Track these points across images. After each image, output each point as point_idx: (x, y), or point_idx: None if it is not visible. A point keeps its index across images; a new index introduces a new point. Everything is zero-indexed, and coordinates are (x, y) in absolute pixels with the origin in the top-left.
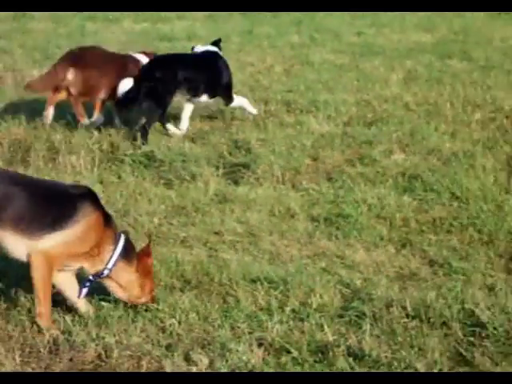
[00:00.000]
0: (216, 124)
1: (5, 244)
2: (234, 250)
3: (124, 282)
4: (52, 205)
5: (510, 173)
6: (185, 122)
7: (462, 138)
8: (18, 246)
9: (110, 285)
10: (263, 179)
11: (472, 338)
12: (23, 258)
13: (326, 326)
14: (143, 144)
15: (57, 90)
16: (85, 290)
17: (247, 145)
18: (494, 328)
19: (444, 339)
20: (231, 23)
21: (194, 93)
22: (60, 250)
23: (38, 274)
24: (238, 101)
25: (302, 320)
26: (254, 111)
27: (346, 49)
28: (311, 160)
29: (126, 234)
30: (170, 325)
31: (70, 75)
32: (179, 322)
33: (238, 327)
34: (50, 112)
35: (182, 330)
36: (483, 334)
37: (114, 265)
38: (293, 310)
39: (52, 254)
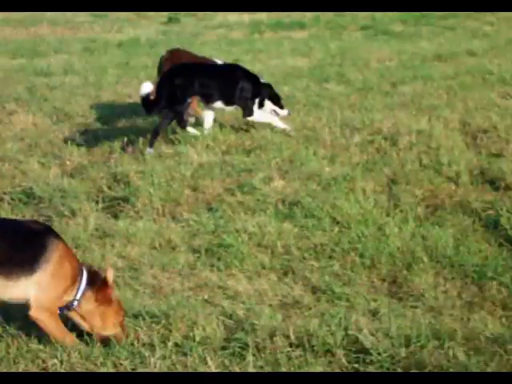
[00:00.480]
0: (95, 157)
1: None
2: (116, 286)
3: (88, 312)
4: (24, 247)
5: (390, 195)
6: (207, 123)
7: (342, 161)
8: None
9: (75, 316)
10: (143, 212)
11: (356, 365)
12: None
13: (209, 359)
14: (150, 147)
15: None
16: None
17: (126, 178)
18: (378, 353)
19: (328, 367)
20: (108, 55)
21: (208, 99)
22: (48, 293)
23: (45, 325)
24: (261, 117)
25: (185, 354)
26: (287, 127)
27: None
28: (191, 190)
29: (87, 264)
30: (53, 365)
31: None
32: (61, 362)
33: (121, 364)
34: None
35: (64, 370)
36: (367, 360)
37: (81, 296)
38: (176, 344)
39: (46, 300)
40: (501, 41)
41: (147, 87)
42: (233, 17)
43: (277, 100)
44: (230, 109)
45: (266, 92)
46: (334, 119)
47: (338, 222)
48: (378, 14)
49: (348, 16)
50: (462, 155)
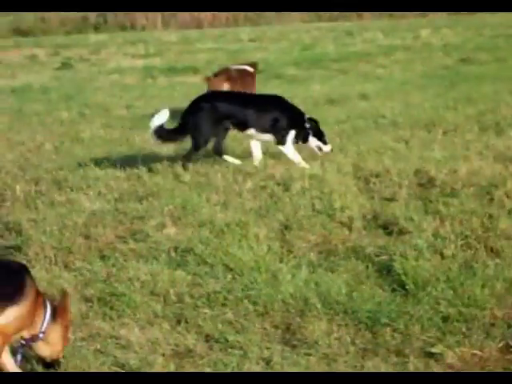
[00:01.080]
0: None
1: None
2: None
3: (52, 340)
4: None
5: (284, 241)
6: (255, 154)
7: (235, 207)
8: None
9: (39, 345)
10: (35, 261)
11: None
12: None
13: None
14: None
15: None
16: (20, 357)
17: (18, 226)
18: None
19: None
20: (0, 102)
21: (240, 127)
22: (13, 324)
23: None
24: (290, 152)
25: None
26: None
27: (116, 123)
28: (83, 238)
29: (49, 296)
30: None
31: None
32: None
33: None
34: None
35: None
36: None
37: (46, 327)
38: None
39: (5, 330)
40: (393, 83)
41: (164, 115)
42: (126, 62)
43: (321, 136)
44: (267, 138)
45: (311, 127)
46: (227, 165)
47: (231, 269)
48: (271, 58)
49: (241, 61)
50: (354, 200)
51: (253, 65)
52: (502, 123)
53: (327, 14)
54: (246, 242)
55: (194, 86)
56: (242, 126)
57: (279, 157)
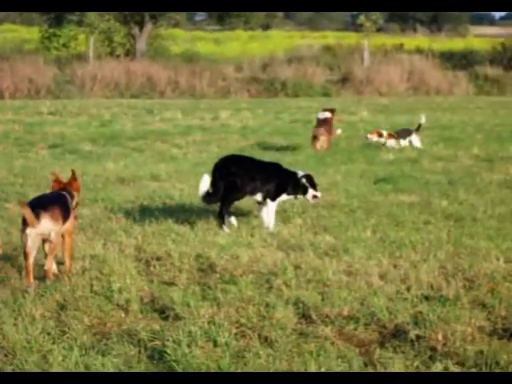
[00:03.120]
0: None
1: None
2: None
3: None
4: None
5: (59, 321)
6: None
7: (13, 286)
8: None
9: None
10: None
11: None
12: None
13: None
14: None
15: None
16: None
17: None
18: None
19: None
20: None
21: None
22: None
23: None
24: (271, 209)
25: None
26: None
27: None
28: None
29: None
30: None
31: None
32: None
33: None
34: None
35: None
36: None
37: None
38: None
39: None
40: (187, 165)
41: (206, 181)
42: None
43: (315, 186)
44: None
45: (308, 181)
46: (9, 241)
47: (2, 347)
48: (69, 132)
49: (38, 134)
50: (134, 282)
51: (332, 110)
52: (289, 210)
53: (128, 92)
54: (21, 320)
55: None
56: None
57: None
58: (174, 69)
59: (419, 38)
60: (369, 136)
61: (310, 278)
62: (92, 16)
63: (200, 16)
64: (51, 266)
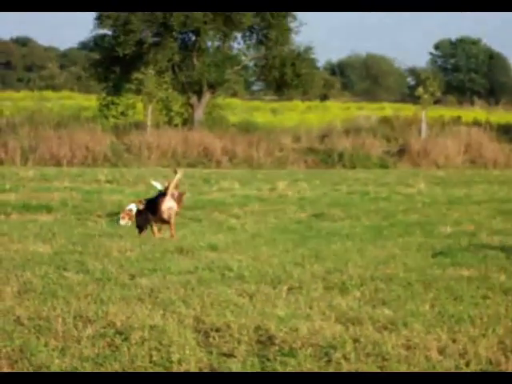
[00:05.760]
0: None
1: None
2: None
3: None
4: None
5: None
6: None
7: (72, 353)
8: None
9: None
10: None
11: None
12: None
13: None
14: None
15: None
16: None
17: None
18: None
19: None
20: None
21: None
22: None
23: None
24: None
25: None
26: None
27: None
28: None
29: None
30: None
31: None
32: None
33: None
34: None
35: None
36: None
37: None
38: None
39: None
40: (244, 235)
41: None
42: None
43: None
44: None
45: None
46: (69, 310)
47: None
48: (126, 201)
49: (95, 202)
50: (192, 353)
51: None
52: (347, 283)
53: (185, 160)
54: None
55: (46, 225)
56: None
57: (123, 304)
58: (230, 138)
59: (477, 111)
60: None
61: (369, 352)
62: (150, 85)
63: (257, 86)
64: None
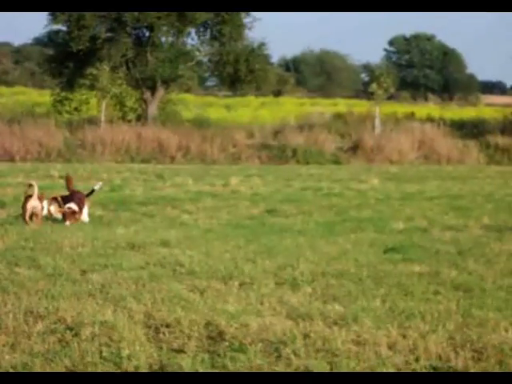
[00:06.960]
0: None
1: None
2: None
3: None
4: None
5: None
6: None
7: (22, 349)
8: None
9: None
10: None
11: None
12: None
13: None
14: None
15: None
16: None
17: None
18: None
19: None
20: None
21: None
22: None
23: None
24: None
25: None
26: None
27: None
28: None
29: None
30: None
31: None
32: None
33: None
34: None
35: None
36: None
37: None
38: None
39: None
40: (197, 231)
41: None
42: None
43: None
44: None
45: None
46: (19, 305)
47: None
48: None
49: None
50: (143, 349)
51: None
52: (298, 278)
53: (139, 156)
54: None
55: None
56: None
57: (74, 300)
58: (184, 134)
59: (430, 107)
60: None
61: (319, 348)
62: (104, 80)
63: (211, 81)
64: None
